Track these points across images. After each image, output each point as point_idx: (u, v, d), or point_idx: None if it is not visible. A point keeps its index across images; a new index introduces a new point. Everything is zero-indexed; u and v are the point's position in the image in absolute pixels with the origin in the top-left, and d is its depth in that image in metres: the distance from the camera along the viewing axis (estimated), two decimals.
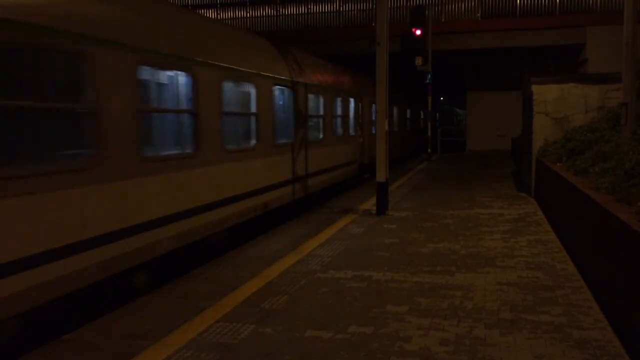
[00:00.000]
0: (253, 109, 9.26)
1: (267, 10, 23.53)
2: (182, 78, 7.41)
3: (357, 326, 4.80)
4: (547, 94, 11.84)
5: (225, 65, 8.13)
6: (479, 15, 21.68)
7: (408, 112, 26.82)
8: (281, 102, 10.79)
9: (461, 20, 21.84)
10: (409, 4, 21.66)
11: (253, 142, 9.18)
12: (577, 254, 6.62)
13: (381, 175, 10.21)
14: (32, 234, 4.71)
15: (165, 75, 7.44)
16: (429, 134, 24.10)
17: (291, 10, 23.29)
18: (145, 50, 6.25)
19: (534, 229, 8.69)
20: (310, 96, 12.03)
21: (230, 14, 23.87)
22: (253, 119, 9.25)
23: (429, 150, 23.99)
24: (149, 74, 6.85)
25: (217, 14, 23.78)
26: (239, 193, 8.44)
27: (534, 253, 7.21)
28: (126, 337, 4.92)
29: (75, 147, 5.70)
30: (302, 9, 23.19)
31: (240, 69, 8.67)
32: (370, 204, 11.09)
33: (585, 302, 5.30)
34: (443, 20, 21.84)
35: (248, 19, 23.67)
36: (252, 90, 9.18)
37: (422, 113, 32.00)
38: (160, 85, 7.43)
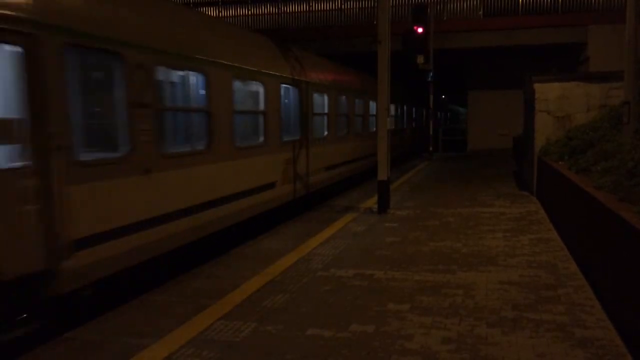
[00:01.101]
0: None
1: (269, 8, 23.51)
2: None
3: (359, 324, 4.80)
4: (548, 93, 11.81)
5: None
6: (480, 13, 21.64)
7: (409, 110, 26.78)
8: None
9: (463, 18, 21.80)
10: (410, 2, 21.62)
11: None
12: (579, 252, 6.61)
13: (382, 173, 10.20)
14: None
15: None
16: (431, 132, 24.07)
17: (293, 8, 23.27)
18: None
19: (536, 228, 8.68)
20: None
21: (232, 12, 23.87)
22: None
23: (431, 148, 23.97)
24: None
25: (219, 11, 23.78)
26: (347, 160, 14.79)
27: (536, 252, 7.19)
28: (127, 335, 4.91)
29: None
30: (304, 7, 23.17)
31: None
32: (372, 202, 11.09)
33: (587, 301, 5.29)
34: (445, 18, 21.80)
35: (250, 17, 23.66)
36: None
37: (423, 112, 31.95)
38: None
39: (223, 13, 23.79)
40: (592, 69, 19.14)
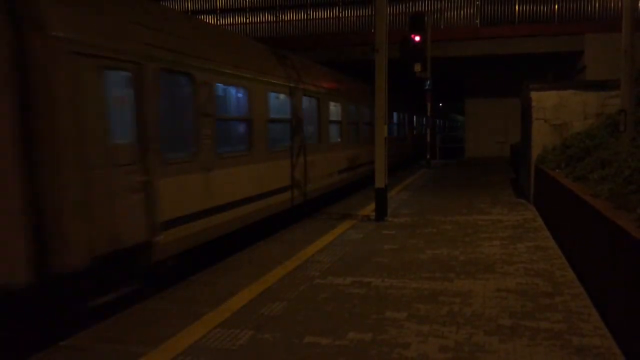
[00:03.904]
0: None
1: (267, 17, 23.61)
2: None
3: (356, 332, 4.79)
4: (545, 101, 11.86)
5: None
6: (477, 22, 21.75)
7: (407, 118, 26.86)
8: None
9: (460, 27, 21.92)
10: (408, 10, 21.74)
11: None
12: (577, 260, 6.61)
13: (380, 181, 10.21)
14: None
15: None
16: (429, 140, 24.15)
17: (291, 16, 23.39)
18: None
19: (533, 236, 8.68)
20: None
21: (229, 20, 23.97)
22: None
23: (428, 156, 24.03)
24: None
25: (217, 20, 23.88)
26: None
27: (533, 259, 7.19)
28: (124, 343, 4.89)
29: None
30: (302, 15, 23.29)
31: None
32: (369, 210, 11.09)
33: (585, 308, 5.29)
34: (442, 27, 21.91)
35: (247, 25, 23.77)
36: None
37: (421, 119, 32.04)
38: None
39: (221, 21, 23.90)
40: (589, 77, 19.22)
